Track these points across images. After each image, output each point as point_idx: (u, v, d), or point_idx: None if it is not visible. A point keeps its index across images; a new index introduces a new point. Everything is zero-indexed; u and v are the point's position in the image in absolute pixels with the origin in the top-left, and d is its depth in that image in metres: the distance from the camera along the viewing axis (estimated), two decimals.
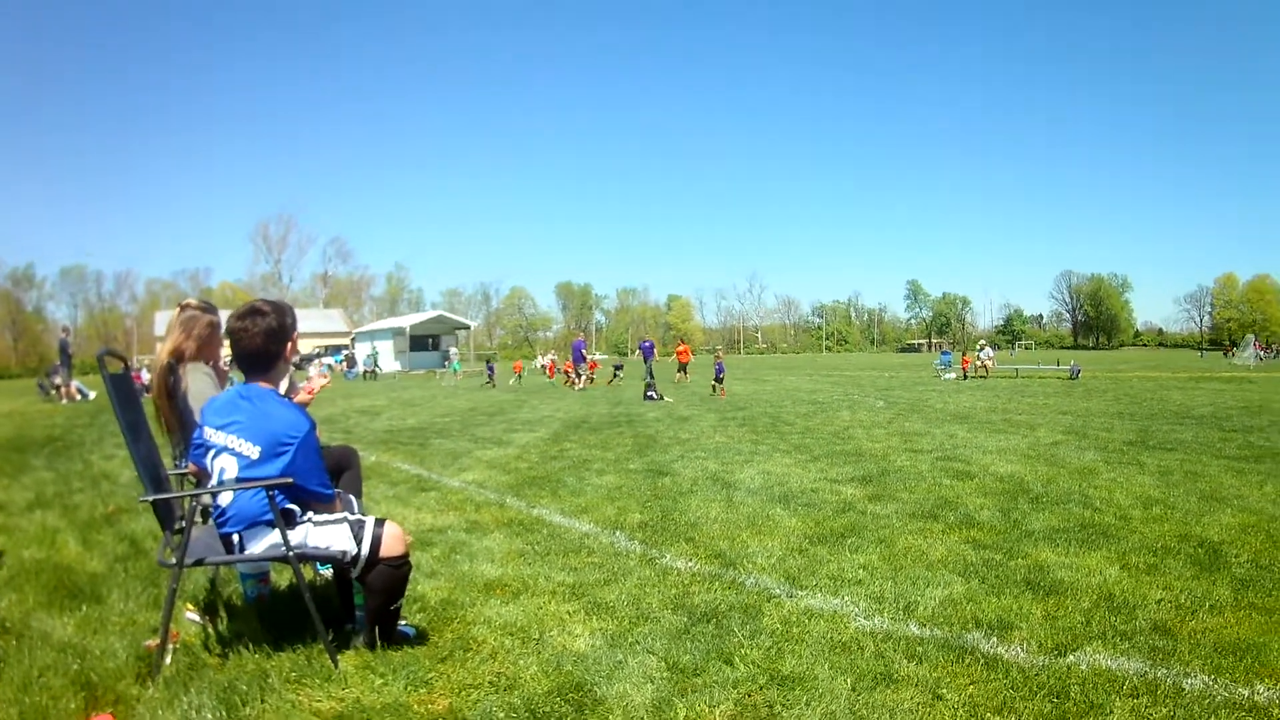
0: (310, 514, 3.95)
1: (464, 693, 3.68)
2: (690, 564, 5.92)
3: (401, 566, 3.98)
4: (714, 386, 26.67)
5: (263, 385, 4.12)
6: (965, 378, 38.18)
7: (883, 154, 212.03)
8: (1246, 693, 3.84)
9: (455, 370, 49.91)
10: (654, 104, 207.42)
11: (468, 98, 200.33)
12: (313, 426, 4.00)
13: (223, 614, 4.70)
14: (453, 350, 59.00)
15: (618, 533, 6.91)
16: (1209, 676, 4.03)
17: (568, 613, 4.81)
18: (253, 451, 3.76)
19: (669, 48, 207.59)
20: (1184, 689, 3.88)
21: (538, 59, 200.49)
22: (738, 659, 4.11)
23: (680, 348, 37.54)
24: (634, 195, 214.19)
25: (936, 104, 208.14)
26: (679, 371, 35.29)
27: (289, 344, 4.24)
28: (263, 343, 3.97)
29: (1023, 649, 4.41)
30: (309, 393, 5.08)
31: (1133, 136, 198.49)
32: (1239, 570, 5.84)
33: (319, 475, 3.91)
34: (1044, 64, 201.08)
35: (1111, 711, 3.67)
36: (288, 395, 4.41)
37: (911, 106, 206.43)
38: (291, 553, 3.76)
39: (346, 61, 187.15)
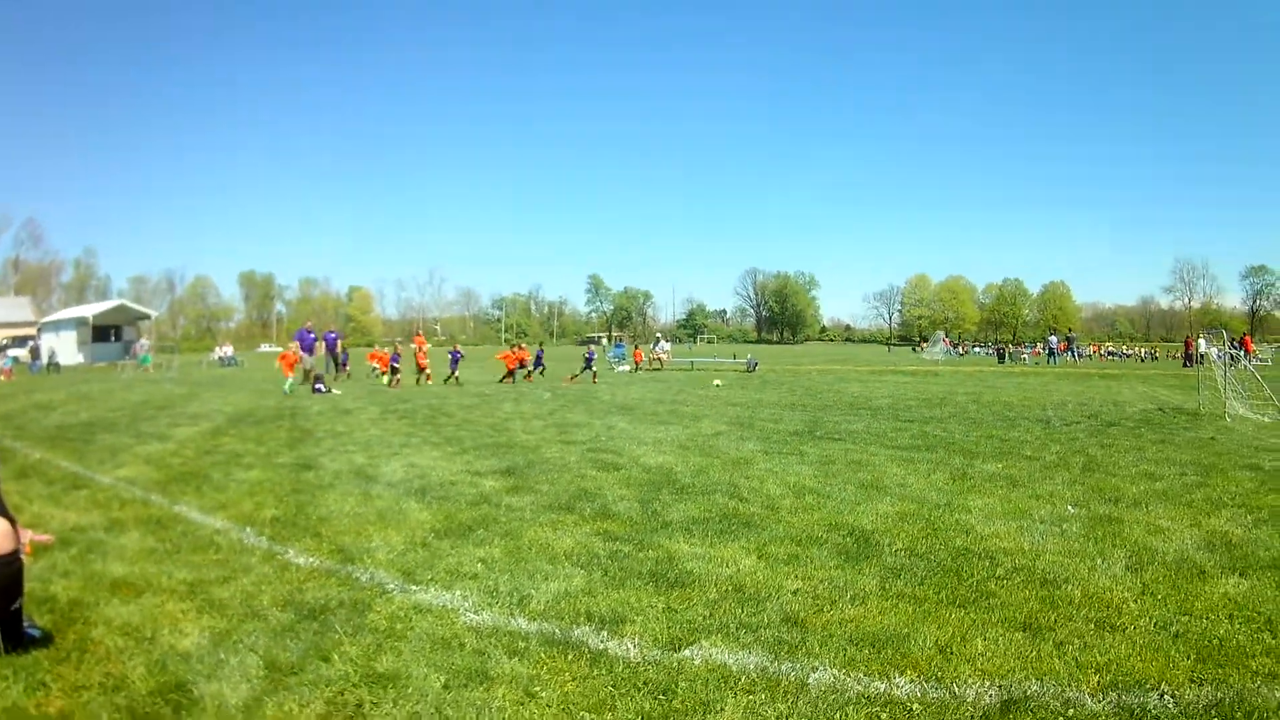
0: None
1: (77, 694, 4.12)
2: (311, 560, 6.61)
3: (12, 564, 4.35)
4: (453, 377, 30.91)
5: None
6: (637, 370, 43.26)
7: (564, 149, 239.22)
8: (883, 686, 4.31)
9: (144, 363, 53.07)
10: (317, 85, 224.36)
11: (154, 74, 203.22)
12: None
13: None
14: (143, 342, 63.60)
15: (248, 529, 7.68)
16: (840, 670, 4.50)
17: (181, 611, 5.37)
18: None
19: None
20: (808, 684, 4.31)
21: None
22: (336, 656, 4.60)
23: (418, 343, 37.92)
24: (318, 182, 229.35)
25: (619, 100, 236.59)
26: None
27: None
28: None
29: (634, 643, 4.81)
30: None
31: (824, 142, 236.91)
32: (890, 559, 6.67)
33: None
34: (726, 69, 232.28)
35: (722, 709, 4.02)
36: None
37: (591, 103, 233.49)
38: None
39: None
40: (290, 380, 25.81)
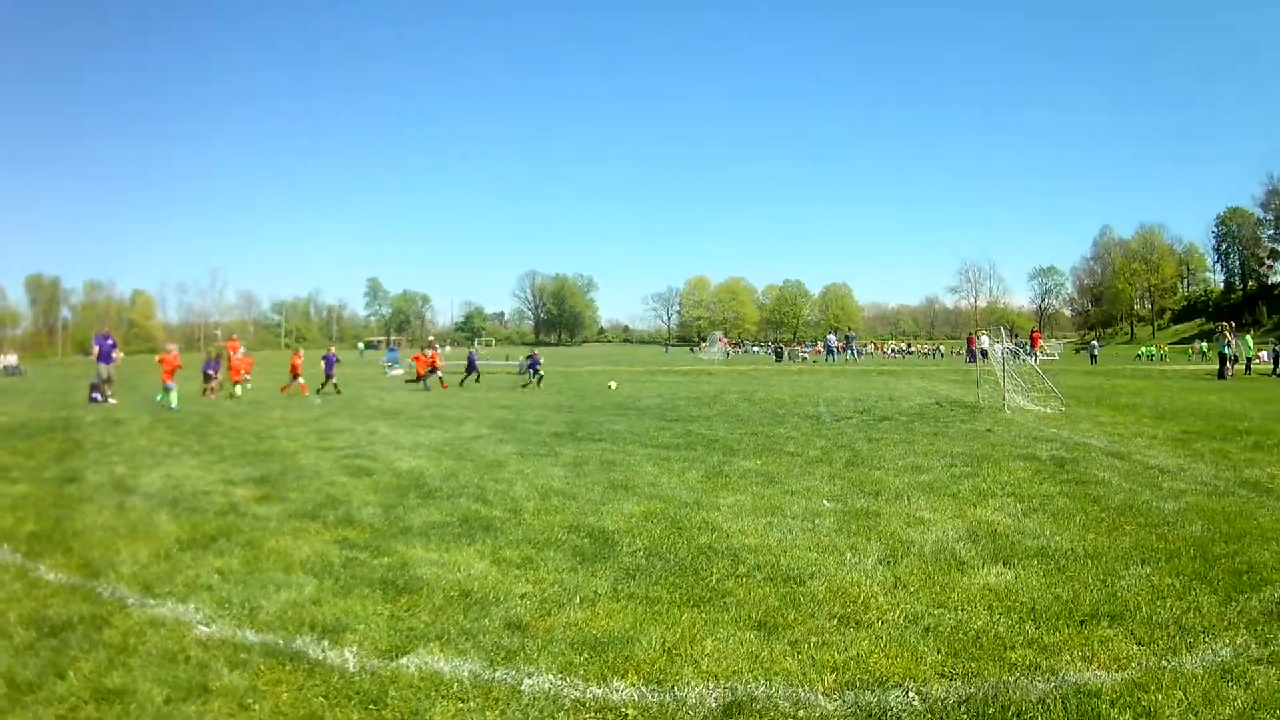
0: None
1: None
2: (59, 575, 6.61)
3: None
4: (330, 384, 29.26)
5: None
6: (422, 382, 43.33)
7: (343, 149, 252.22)
8: (601, 691, 4.27)
9: None
10: (99, 80, 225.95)
11: None
12: None
13: None
14: None
15: (5, 546, 7.61)
16: (557, 675, 4.47)
17: None
18: None
19: None
20: (522, 690, 4.28)
21: None
22: (72, 673, 4.63)
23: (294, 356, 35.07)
24: (108, 181, 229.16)
25: (399, 99, 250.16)
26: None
27: None
28: None
29: (353, 653, 4.89)
30: None
31: (606, 144, 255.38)
32: (628, 559, 6.72)
33: None
34: (501, 70, 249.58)
35: (430, 718, 4.05)
36: None
37: (371, 116, 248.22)
38: None
39: None
40: (171, 390, 22.25)
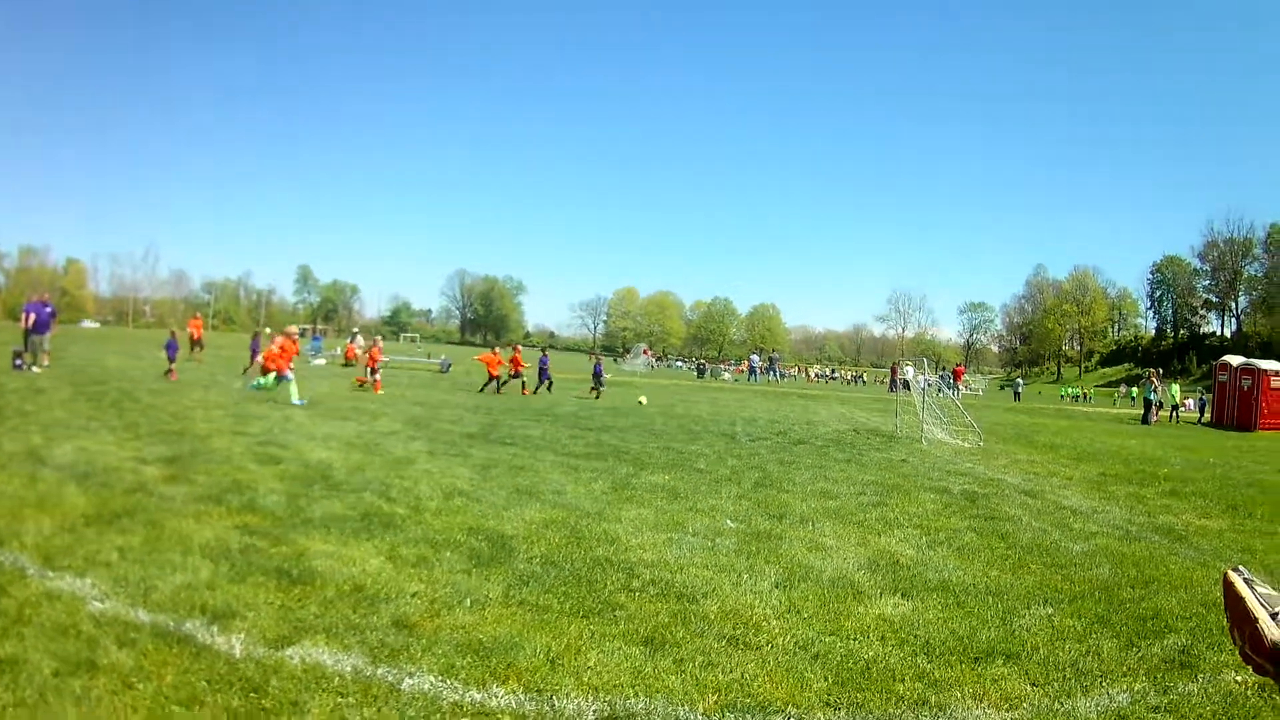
0: None
1: None
2: None
3: None
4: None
5: None
6: (347, 365, 44.57)
7: (285, 137, 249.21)
8: (480, 696, 4.28)
9: None
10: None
11: None
12: None
13: None
14: None
15: None
16: (438, 677, 4.48)
17: None
18: None
19: None
20: (401, 689, 4.30)
21: None
22: None
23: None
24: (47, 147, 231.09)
25: (342, 99, 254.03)
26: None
27: None
28: None
29: (241, 639, 4.91)
30: None
31: (542, 149, 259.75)
32: (524, 566, 6.73)
33: None
34: (447, 67, 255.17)
35: (308, 710, 4.05)
36: None
37: (315, 104, 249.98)
38: None
39: None
40: (289, 379, 20.29)
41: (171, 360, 26.90)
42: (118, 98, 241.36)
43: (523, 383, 29.39)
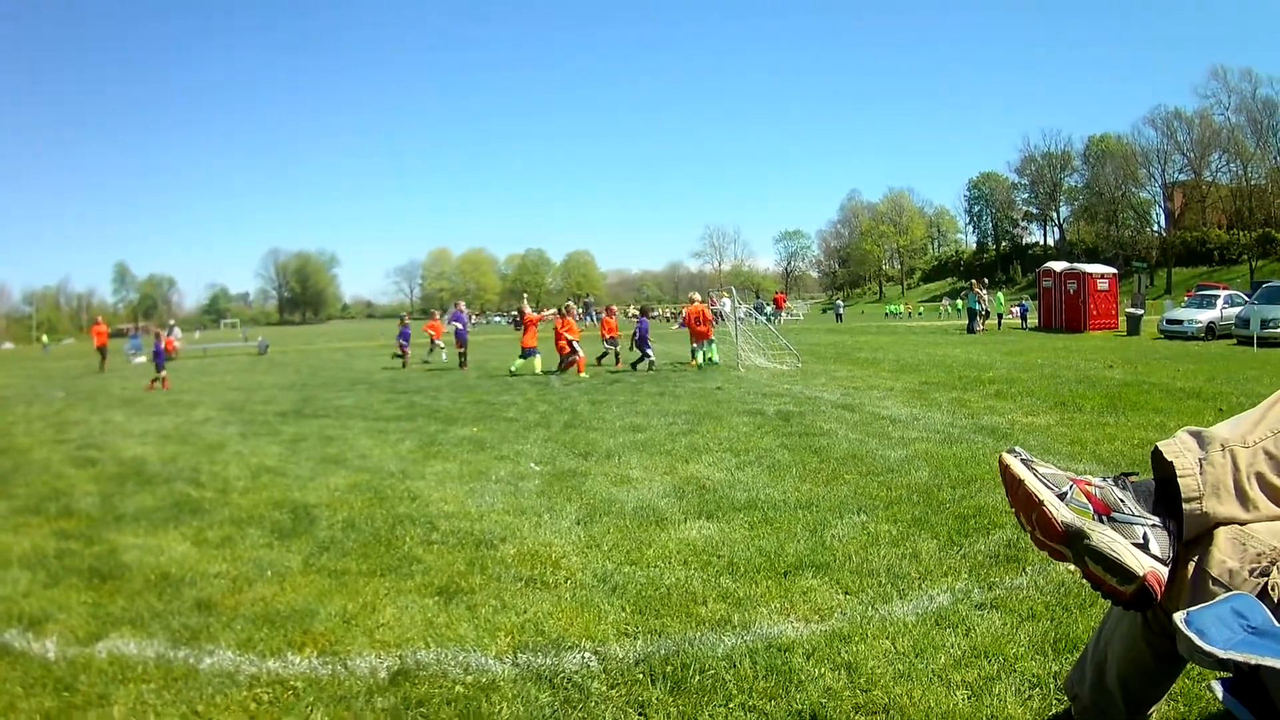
0: None
1: None
2: None
3: None
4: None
5: None
6: (169, 359, 44.50)
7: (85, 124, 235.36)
8: (275, 665, 4.33)
9: None
10: None
11: None
12: None
13: None
14: None
15: None
16: (236, 652, 4.52)
17: None
18: None
19: None
20: (201, 669, 4.34)
21: None
22: None
23: None
24: None
25: (126, 78, 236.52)
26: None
27: None
28: None
29: (54, 641, 4.92)
30: None
31: (349, 114, 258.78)
32: (324, 533, 6.84)
33: None
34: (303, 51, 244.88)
35: (115, 701, 4.06)
36: None
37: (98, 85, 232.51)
38: None
39: None
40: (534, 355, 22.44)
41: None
42: None
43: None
